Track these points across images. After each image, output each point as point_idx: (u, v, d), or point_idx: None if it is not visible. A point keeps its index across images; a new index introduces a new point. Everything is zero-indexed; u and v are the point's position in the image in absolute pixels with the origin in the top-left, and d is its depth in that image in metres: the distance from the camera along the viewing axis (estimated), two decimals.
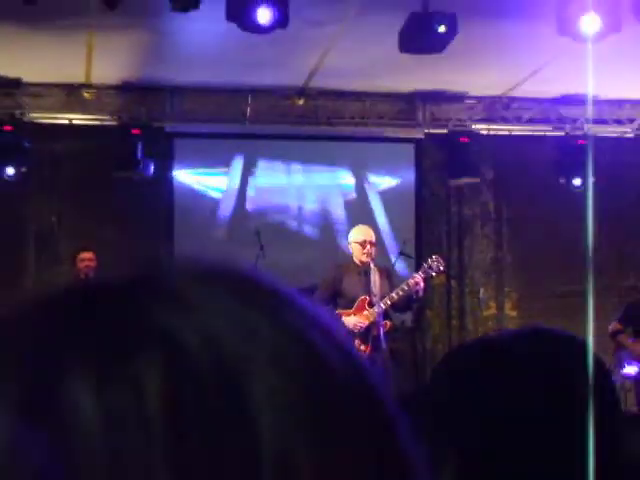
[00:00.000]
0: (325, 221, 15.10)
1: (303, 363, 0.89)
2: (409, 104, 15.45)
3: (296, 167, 15.71)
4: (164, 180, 15.49)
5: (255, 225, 14.43)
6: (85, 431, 0.86)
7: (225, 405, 0.86)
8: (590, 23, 10.72)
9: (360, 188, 15.82)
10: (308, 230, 15.23)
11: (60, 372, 0.89)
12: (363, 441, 0.90)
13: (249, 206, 15.49)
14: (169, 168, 15.64)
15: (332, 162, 15.70)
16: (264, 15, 10.78)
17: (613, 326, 13.49)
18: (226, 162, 15.83)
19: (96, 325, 0.90)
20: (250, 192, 15.54)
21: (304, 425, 0.87)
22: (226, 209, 15.61)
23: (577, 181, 15.37)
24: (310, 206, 15.38)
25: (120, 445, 0.86)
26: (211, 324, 0.87)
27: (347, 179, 15.77)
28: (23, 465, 0.88)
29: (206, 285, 0.92)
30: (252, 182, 15.67)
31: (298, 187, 15.64)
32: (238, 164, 15.68)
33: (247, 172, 15.65)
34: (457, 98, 15.36)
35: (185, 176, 15.73)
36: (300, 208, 15.44)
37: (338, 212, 14.88)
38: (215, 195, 15.84)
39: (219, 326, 0.87)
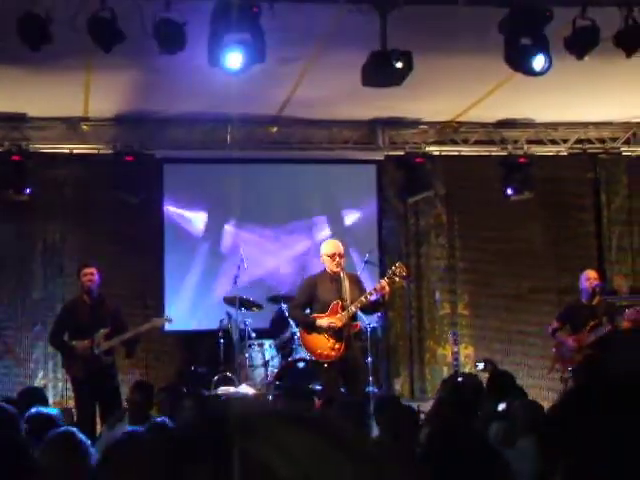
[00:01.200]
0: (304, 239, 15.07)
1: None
2: (370, 130, 15.48)
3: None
4: (155, 201, 15.27)
5: (239, 241, 14.45)
6: None
7: None
8: (539, 62, 10.78)
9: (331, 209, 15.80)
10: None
11: None
12: None
13: (232, 223, 15.34)
14: (160, 190, 15.40)
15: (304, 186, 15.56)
16: (238, 58, 10.70)
17: (553, 324, 13.46)
18: (211, 185, 15.56)
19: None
20: (234, 211, 15.42)
21: None
22: (211, 226, 15.41)
23: (519, 194, 15.31)
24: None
25: None
26: (302, 463, 0.92)
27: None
28: None
29: (281, 422, 0.99)
30: (235, 201, 15.44)
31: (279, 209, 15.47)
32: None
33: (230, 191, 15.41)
34: (412, 124, 15.33)
35: (172, 202, 15.56)
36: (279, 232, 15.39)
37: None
38: (199, 216, 15.61)
39: (309, 464, 0.92)
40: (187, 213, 15.57)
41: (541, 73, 11.03)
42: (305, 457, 0.93)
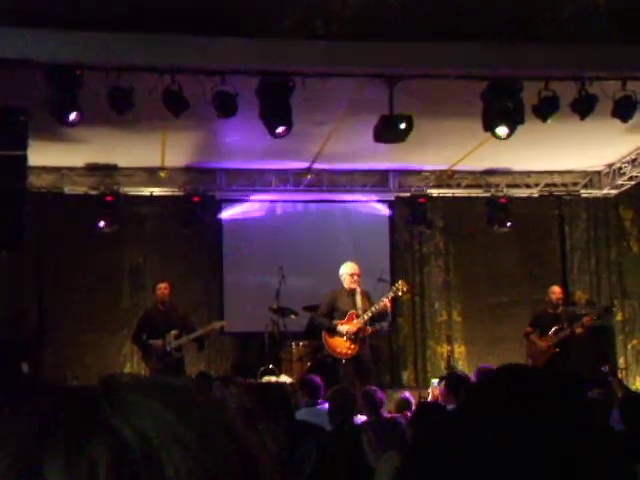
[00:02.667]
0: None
1: (196, 443, 0.89)
2: (383, 177, 15.42)
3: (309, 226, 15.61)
4: (215, 232, 15.41)
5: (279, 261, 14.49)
6: None
7: (147, 472, 0.85)
8: (502, 130, 10.83)
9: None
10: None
11: (42, 452, 0.88)
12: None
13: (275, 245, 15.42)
14: (219, 230, 15.51)
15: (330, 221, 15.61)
16: (282, 129, 10.81)
17: (526, 329, 13.49)
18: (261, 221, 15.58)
19: (67, 423, 0.90)
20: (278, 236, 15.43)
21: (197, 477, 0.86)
22: (259, 249, 15.45)
23: (501, 227, 15.33)
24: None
25: None
26: (140, 422, 0.88)
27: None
28: None
29: (141, 394, 0.92)
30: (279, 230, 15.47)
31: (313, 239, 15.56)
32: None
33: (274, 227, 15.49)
34: (416, 172, 15.30)
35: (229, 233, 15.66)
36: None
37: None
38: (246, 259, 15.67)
39: (145, 423, 0.88)
40: (240, 246, 15.64)
41: (504, 138, 11.14)
42: (157, 420, 0.91)
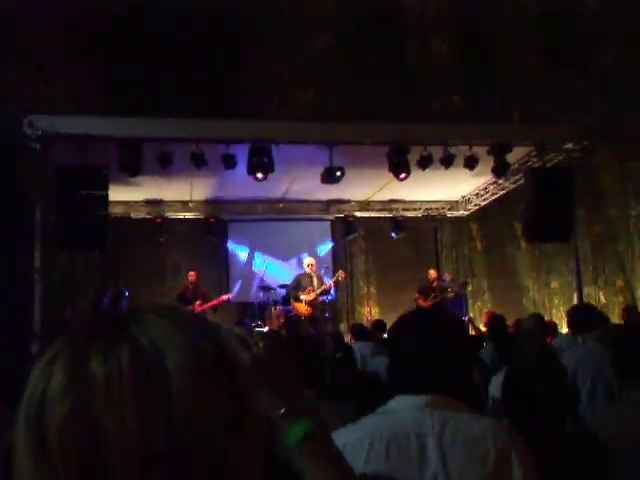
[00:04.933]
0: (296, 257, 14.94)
1: (190, 350, 0.85)
2: (327, 204, 15.20)
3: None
4: (224, 244, 15.15)
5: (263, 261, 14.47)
6: (94, 382, 0.81)
7: (156, 365, 0.82)
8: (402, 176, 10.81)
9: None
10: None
11: (89, 349, 0.84)
12: (217, 379, 0.86)
13: (261, 253, 15.26)
14: (226, 239, 15.26)
15: (296, 233, 15.42)
16: (261, 175, 10.66)
17: (415, 296, 13.45)
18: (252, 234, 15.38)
19: (106, 333, 0.87)
20: (262, 247, 15.32)
21: (188, 374, 0.83)
22: (250, 255, 15.26)
23: (397, 235, 15.43)
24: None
25: (111, 392, 0.81)
26: (152, 333, 0.85)
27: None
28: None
29: (154, 315, 0.89)
30: (262, 242, 15.32)
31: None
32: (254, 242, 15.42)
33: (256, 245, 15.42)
34: (347, 201, 15.09)
35: (233, 243, 15.42)
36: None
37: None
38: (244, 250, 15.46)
39: (156, 335, 0.85)
40: (239, 249, 15.36)
41: (402, 180, 11.10)
42: (164, 333, 0.86)
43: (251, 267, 14.61)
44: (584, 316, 5.97)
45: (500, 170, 11.27)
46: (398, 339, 2.25)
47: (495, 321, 8.60)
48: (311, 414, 1.30)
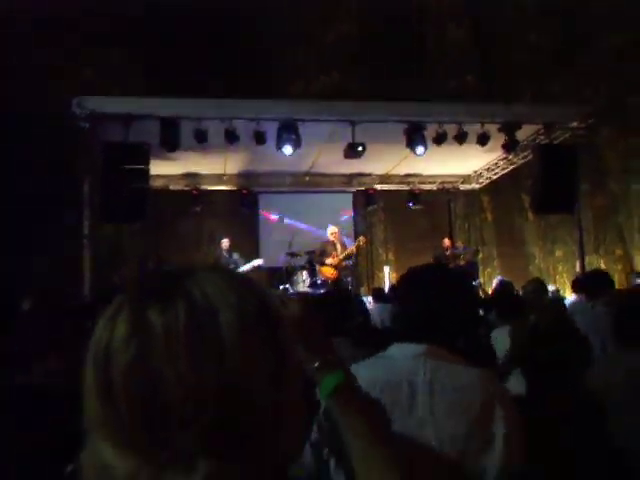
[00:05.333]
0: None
1: (240, 308, 0.85)
2: (349, 178, 15.05)
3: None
4: (255, 214, 15.10)
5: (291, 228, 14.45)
6: (153, 332, 0.82)
7: (209, 319, 0.83)
8: (420, 150, 10.63)
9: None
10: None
11: (148, 303, 0.85)
12: (263, 336, 0.86)
13: (287, 219, 15.19)
14: (257, 209, 15.20)
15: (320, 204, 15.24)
16: (289, 149, 10.60)
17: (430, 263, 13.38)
18: (280, 203, 15.31)
19: (163, 288, 0.88)
20: (289, 214, 15.24)
21: (238, 331, 0.83)
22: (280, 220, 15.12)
23: (415, 206, 15.31)
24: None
25: (169, 342, 0.82)
26: (205, 288, 0.85)
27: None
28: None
29: (207, 272, 0.89)
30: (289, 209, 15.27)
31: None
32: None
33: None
34: (368, 175, 14.98)
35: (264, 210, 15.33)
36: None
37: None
38: (274, 216, 15.33)
39: (210, 291, 0.85)
40: (268, 218, 15.29)
41: (420, 155, 10.94)
42: (215, 289, 0.87)
43: (279, 235, 14.56)
44: (594, 282, 5.88)
45: (510, 147, 11.24)
46: (404, 290, 2.20)
47: (502, 286, 8.55)
48: (342, 367, 1.30)
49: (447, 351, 1.98)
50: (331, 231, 12.41)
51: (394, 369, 1.98)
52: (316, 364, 1.30)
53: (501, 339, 4.67)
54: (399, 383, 1.93)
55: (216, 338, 0.82)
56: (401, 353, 2.02)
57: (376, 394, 1.83)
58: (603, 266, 12.90)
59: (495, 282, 11.95)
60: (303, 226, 14.88)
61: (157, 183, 13.29)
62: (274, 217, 15.10)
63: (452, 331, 2.04)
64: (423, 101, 11.81)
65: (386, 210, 15.94)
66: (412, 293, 2.13)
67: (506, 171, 14.17)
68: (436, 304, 2.05)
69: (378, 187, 15.19)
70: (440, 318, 2.01)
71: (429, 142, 10.80)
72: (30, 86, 11.29)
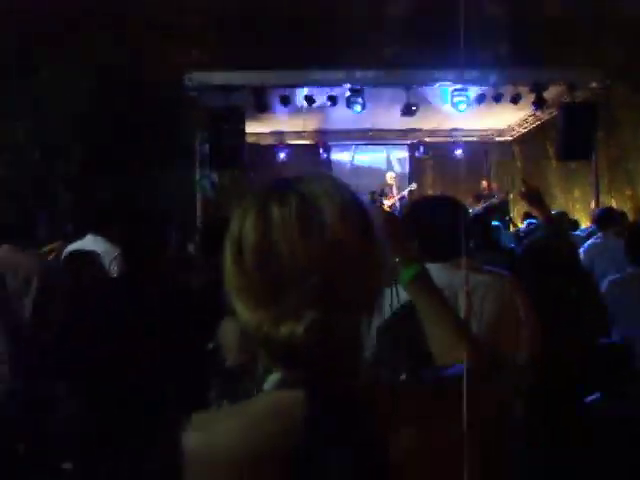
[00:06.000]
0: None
1: (342, 204, 0.86)
2: (405, 132, 14.91)
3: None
4: (329, 163, 15.14)
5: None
6: (273, 220, 0.86)
7: (315, 209, 0.84)
8: (462, 107, 10.64)
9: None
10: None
11: (268, 200, 0.89)
12: (360, 228, 0.86)
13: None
14: (330, 158, 15.23)
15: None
16: (357, 108, 10.86)
17: (469, 202, 13.35)
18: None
19: (279, 190, 0.90)
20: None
21: (340, 222, 0.84)
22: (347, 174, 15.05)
23: (458, 155, 15.25)
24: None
25: (285, 226, 0.85)
26: (312, 187, 0.88)
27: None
28: None
29: (312, 177, 0.92)
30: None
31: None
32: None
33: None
34: (419, 130, 15.04)
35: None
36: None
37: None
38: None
39: (317, 190, 0.87)
40: (340, 166, 15.38)
41: (461, 111, 11.05)
42: (318, 189, 0.87)
43: (347, 179, 14.54)
44: (606, 216, 5.68)
45: (538, 104, 11.29)
46: (421, 217, 2.12)
47: (527, 217, 8.79)
48: (419, 262, 1.26)
49: (467, 262, 1.90)
50: (390, 176, 12.74)
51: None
52: (398, 258, 1.26)
53: None
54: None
55: (320, 222, 0.83)
56: (434, 269, 2.09)
57: None
58: (614, 204, 13.03)
59: (522, 216, 12.15)
60: (367, 172, 14.96)
61: (250, 139, 13.60)
62: (342, 170, 15.06)
63: (459, 244, 1.91)
64: (466, 67, 11.85)
65: (434, 159, 16.04)
66: (429, 217, 2.07)
67: (534, 125, 14.22)
68: (446, 225, 1.99)
69: (428, 140, 15.30)
70: (453, 236, 1.88)
71: (471, 102, 11.08)
72: (154, 65, 11.75)
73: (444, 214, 2.05)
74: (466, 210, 2.12)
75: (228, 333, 1.72)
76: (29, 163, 8.90)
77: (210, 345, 1.84)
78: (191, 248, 5.58)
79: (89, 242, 4.42)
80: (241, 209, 0.90)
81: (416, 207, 2.20)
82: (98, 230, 4.46)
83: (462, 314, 1.79)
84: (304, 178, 0.91)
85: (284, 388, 0.82)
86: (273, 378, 0.84)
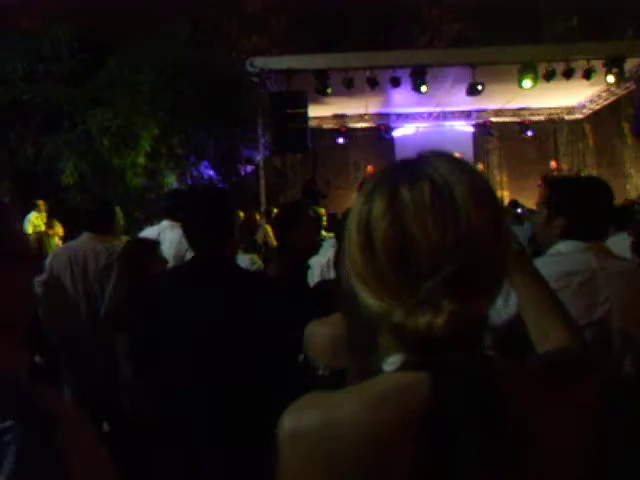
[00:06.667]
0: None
1: (470, 184, 0.83)
2: (469, 113, 14.62)
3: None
4: (392, 145, 14.79)
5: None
6: (405, 204, 0.82)
7: (448, 192, 0.81)
8: (527, 84, 10.32)
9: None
10: None
11: (397, 183, 0.85)
12: (489, 206, 0.83)
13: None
14: (393, 141, 14.82)
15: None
16: (424, 89, 10.62)
17: (538, 183, 12.98)
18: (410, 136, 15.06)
19: (408, 172, 0.86)
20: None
21: (469, 201, 0.81)
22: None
23: (526, 134, 14.76)
24: None
25: (417, 210, 0.82)
26: (440, 171, 0.83)
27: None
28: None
29: (438, 158, 0.87)
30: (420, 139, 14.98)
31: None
32: None
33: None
34: (484, 110, 14.67)
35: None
36: None
37: None
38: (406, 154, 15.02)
39: (445, 172, 0.83)
40: (403, 149, 14.78)
41: (528, 88, 10.68)
42: (447, 170, 0.84)
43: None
44: None
45: (618, 78, 10.70)
46: (574, 196, 2.07)
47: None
48: (522, 247, 1.21)
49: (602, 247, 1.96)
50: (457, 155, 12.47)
51: (570, 261, 1.91)
52: None
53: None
54: (578, 273, 1.88)
55: (453, 205, 0.81)
56: (572, 248, 1.95)
57: (560, 284, 1.79)
58: None
59: None
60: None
61: (313, 123, 13.69)
62: (405, 153, 14.67)
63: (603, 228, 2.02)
64: (534, 43, 11.46)
65: (500, 139, 15.65)
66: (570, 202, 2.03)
67: (607, 102, 13.61)
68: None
69: (493, 120, 14.95)
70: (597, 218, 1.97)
71: (540, 79, 10.62)
72: (217, 52, 11.87)
73: (598, 196, 2.03)
74: (613, 194, 2.03)
75: (318, 338, 1.61)
76: (101, 153, 9.14)
77: (300, 357, 1.71)
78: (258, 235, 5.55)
79: (165, 228, 4.25)
80: (365, 193, 0.87)
81: (566, 186, 2.13)
82: (174, 216, 4.18)
83: (601, 298, 1.83)
84: (430, 160, 0.87)
85: (407, 369, 0.82)
86: (394, 359, 0.83)
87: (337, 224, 6.19)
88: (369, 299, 0.82)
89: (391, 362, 0.84)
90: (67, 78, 8.31)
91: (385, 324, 0.81)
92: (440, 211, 0.81)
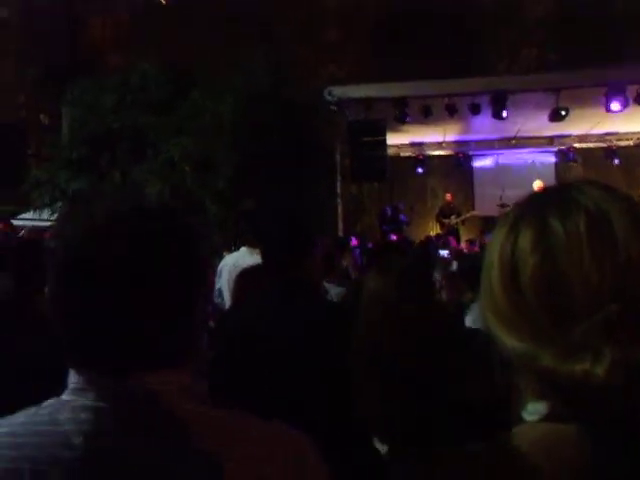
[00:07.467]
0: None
1: (630, 215, 0.76)
2: (551, 139, 14.14)
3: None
4: (470, 173, 14.70)
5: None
6: (557, 237, 0.76)
7: (606, 224, 0.75)
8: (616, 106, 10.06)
9: None
10: None
11: (545, 213, 0.80)
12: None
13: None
14: (472, 169, 14.67)
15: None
16: (504, 114, 10.44)
17: None
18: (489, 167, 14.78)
19: (557, 201, 0.80)
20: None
21: (631, 232, 0.74)
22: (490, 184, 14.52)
23: (613, 161, 14.06)
24: None
25: (571, 245, 0.75)
26: (597, 201, 0.77)
27: None
28: None
29: (588, 185, 0.80)
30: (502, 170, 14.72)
31: None
32: None
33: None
34: (568, 135, 14.19)
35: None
36: None
37: None
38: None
39: (600, 202, 0.76)
40: (482, 177, 14.86)
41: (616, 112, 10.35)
42: (601, 198, 0.77)
43: (491, 189, 14.08)
44: None
45: None
46: None
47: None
48: None
49: None
50: (537, 185, 12.01)
51: None
52: None
53: None
54: None
55: (613, 240, 0.74)
56: None
57: None
58: None
59: None
60: (512, 182, 14.14)
61: (390, 151, 13.66)
62: (485, 181, 14.39)
63: None
64: (619, 63, 11.03)
65: (585, 166, 14.84)
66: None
67: None
68: None
69: (577, 146, 14.43)
70: None
71: (629, 102, 10.22)
72: (293, 81, 12.08)
73: None
74: None
75: None
76: (183, 179, 9.41)
77: None
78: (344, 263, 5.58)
79: (245, 255, 4.37)
80: (507, 225, 0.81)
81: None
82: (252, 243, 4.35)
83: None
84: (580, 187, 0.81)
85: (555, 421, 0.75)
86: (536, 408, 0.77)
87: (368, 254, 5.88)
88: (510, 340, 0.76)
89: (532, 411, 0.77)
90: (154, 106, 8.68)
91: (528, 369, 0.75)
92: (597, 242, 0.74)
